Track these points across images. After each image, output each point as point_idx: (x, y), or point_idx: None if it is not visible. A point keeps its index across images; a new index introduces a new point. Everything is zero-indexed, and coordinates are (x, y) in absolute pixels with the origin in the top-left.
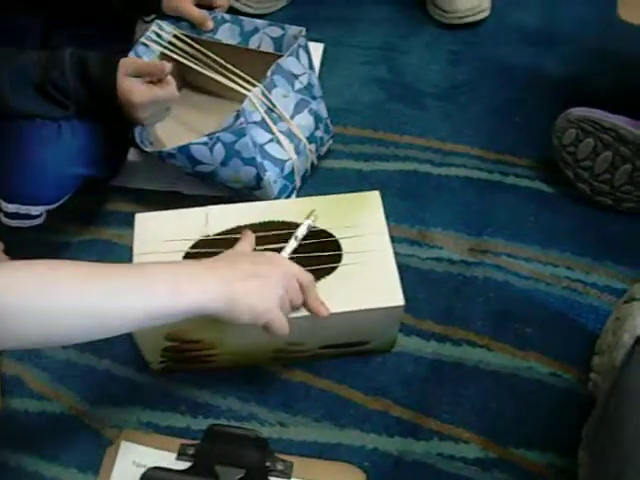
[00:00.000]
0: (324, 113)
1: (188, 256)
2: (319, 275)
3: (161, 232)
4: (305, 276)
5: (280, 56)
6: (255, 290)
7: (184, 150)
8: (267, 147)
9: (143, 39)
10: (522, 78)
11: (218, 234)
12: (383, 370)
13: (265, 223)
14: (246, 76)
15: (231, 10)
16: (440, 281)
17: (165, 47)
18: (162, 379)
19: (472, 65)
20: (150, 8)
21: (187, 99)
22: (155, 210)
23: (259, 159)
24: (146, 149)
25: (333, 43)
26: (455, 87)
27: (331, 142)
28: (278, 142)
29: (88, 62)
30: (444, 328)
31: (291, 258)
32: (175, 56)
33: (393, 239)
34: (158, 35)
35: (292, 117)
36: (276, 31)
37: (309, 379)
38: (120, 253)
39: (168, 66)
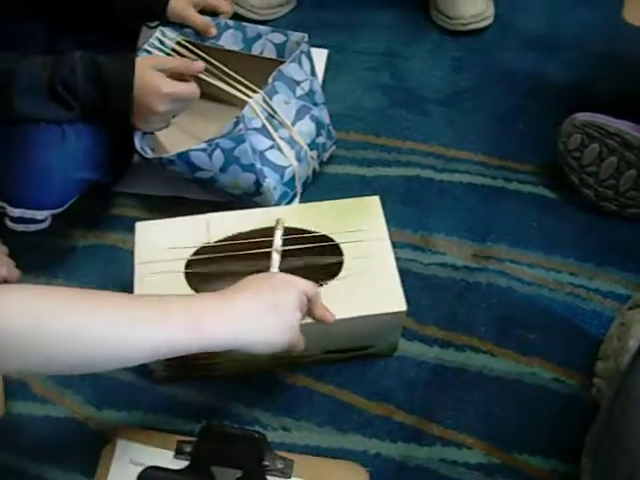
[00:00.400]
0: (326, 119)
1: (190, 263)
2: (321, 281)
3: (162, 240)
4: (312, 289)
5: (282, 62)
6: (278, 324)
7: (183, 156)
8: (267, 153)
9: (146, 45)
10: (525, 84)
11: (219, 241)
12: (386, 375)
13: (266, 229)
14: (248, 82)
15: (235, 16)
16: (443, 287)
17: (168, 53)
18: (166, 385)
19: (475, 71)
20: (154, 15)
21: (190, 105)
22: (159, 215)
23: (258, 165)
24: (146, 155)
25: (336, 49)
26: (458, 93)
27: (334, 148)
28: (279, 148)
29: (101, 61)
30: (447, 334)
31: (294, 266)
32: None
33: (396, 245)
34: (161, 42)
35: (293, 123)
36: (279, 37)
37: (312, 384)
38: (124, 258)
39: (200, 66)
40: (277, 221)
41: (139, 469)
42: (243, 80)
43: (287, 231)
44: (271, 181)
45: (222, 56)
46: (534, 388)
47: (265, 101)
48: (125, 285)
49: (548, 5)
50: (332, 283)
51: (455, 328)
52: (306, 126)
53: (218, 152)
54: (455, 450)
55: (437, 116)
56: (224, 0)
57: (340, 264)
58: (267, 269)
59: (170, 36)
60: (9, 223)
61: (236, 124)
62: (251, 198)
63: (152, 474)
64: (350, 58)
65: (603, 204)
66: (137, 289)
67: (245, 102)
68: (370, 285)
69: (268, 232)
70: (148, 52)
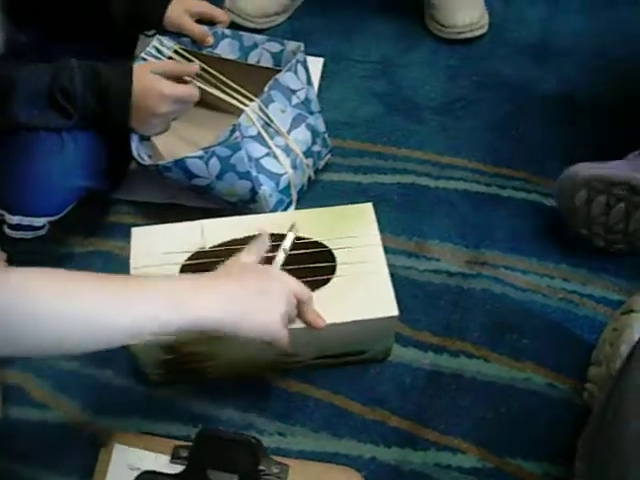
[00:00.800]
0: (322, 128)
1: (185, 268)
2: (314, 286)
3: (158, 245)
4: (304, 291)
5: (279, 71)
6: (262, 307)
7: (180, 164)
8: (263, 161)
9: (143, 54)
10: (519, 92)
11: (214, 247)
12: (381, 381)
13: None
14: (245, 91)
15: (232, 25)
16: (438, 293)
17: None
18: (162, 389)
19: (470, 79)
20: (151, 24)
21: (187, 113)
22: (156, 222)
23: (254, 173)
24: (143, 162)
25: (333, 57)
26: (453, 101)
27: (329, 156)
28: (274, 156)
29: (99, 69)
30: (442, 339)
31: (287, 270)
32: None
33: (391, 251)
34: (158, 50)
35: (289, 132)
36: (275, 46)
37: (307, 389)
38: (121, 265)
39: (196, 67)
40: (292, 225)
41: (135, 473)
42: (239, 88)
43: (280, 237)
44: (267, 189)
45: (219, 65)
46: (527, 393)
47: (261, 109)
48: None
49: (542, 14)
50: (324, 289)
51: (449, 334)
52: (302, 134)
53: (214, 159)
54: (449, 455)
55: (432, 124)
56: (220, 10)
57: (332, 269)
58: None
59: (167, 45)
60: (7, 230)
61: (232, 132)
62: (247, 205)
63: (148, 478)
64: (346, 66)
65: (612, 248)
66: None
67: (241, 110)
68: (362, 290)
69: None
70: (145, 60)
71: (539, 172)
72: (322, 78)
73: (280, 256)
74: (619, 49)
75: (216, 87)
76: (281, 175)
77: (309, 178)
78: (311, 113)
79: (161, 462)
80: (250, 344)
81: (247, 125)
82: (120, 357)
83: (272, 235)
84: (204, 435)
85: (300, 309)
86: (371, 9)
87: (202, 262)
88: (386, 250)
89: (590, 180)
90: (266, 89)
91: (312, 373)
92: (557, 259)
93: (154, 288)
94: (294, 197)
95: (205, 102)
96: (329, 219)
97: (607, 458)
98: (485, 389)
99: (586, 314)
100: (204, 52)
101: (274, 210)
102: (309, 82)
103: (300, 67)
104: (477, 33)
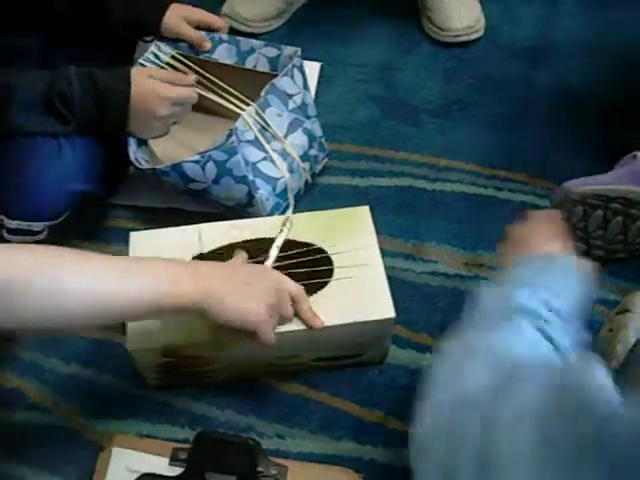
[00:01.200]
0: (318, 132)
1: None
2: (311, 290)
3: (155, 250)
4: (295, 287)
5: (275, 76)
6: (247, 294)
7: (177, 168)
8: (260, 165)
9: (141, 60)
10: (516, 94)
11: (212, 251)
12: (379, 382)
13: (257, 240)
14: (241, 95)
15: (230, 30)
16: (435, 295)
17: (162, 67)
18: (161, 393)
19: (466, 82)
20: (148, 30)
21: (184, 117)
22: (154, 226)
23: (251, 177)
24: (140, 167)
25: (329, 61)
26: (450, 104)
27: (326, 160)
28: (271, 160)
29: (96, 74)
30: (439, 341)
31: (286, 274)
32: None
33: (389, 254)
34: (156, 56)
35: (286, 136)
36: (272, 51)
37: (306, 392)
38: None
39: (192, 78)
40: (286, 219)
41: (135, 476)
42: (236, 93)
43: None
44: (263, 192)
45: (216, 69)
46: None
47: (258, 114)
48: None
49: (538, 16)
50: (322, 292)
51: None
52: (298, 138)
53: (211, 164)
54: None
55: (429, 126)
56: (218, 17)
57: (330, 272)
58: None
59: (165, 50)
60: (6, 235)
61: (229, 136)
62: (244, 209)
63: None
64: (343, 70)
65: (613, 256)
66: None
67: (238, 115)
68: (359, 293)
69: (259, 243)
70: (143, 66)
71: (536, 174)
72: (319, 82)
73: (273, 252)
74: (616, 51)
75: (213, 92)
76: (278, 179)
77: (306, 182)
78: (308, 117)
79: (160, 464)
80: (246, 345)
81: (244, 129)
82: (119, 361)
83: (268, 239)
84: (203, 437)
85: (296, 308)
86: (367, 13)
87: None
88: (384, 252)
89: (585, 196)
90: (263, 93)
91: (311, 376)
92: None
93: (153, 267)
94: (291, 201)
95: (202, 106)
96: (326, 222)
97: None
98: None
99: None
100: (201, 57)
101: (271, 214)
102: (306, 86)
103: (297, 71)
104: (474, 36)
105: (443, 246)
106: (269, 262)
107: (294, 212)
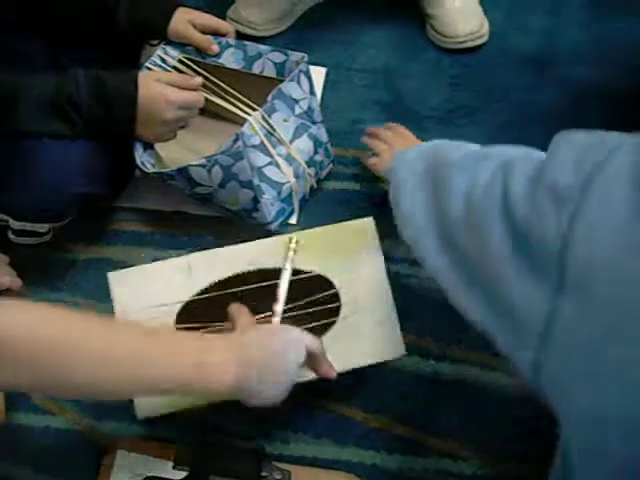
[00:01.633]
0: (324, 138)
1: (179, 320)
2: (319, 332)
3: (142, 294)
4: (312, 342)
5: (282, 81)
6: (279, 377)
7: (183, 171)
8: (265, 170)
9: (148, 63)
10: (521, 102)
11: (205, 289)
12: (383, 388)
13: (252, 273)
14: (248, 100)
15: (236, 33)
16: (440, 301)
17: (169, 71)
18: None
19: (471, 89)
20: (155, 33)
21: (191, 122)
22: (159, 229)
23: (256, 182)
24: (146, 170)
25: (335, 66)
26: (454, 110)
27: (331, 166)
28: (277, 165)
29: (104, 77)
30: (444, 347)
31: (291, 317)
32: None
33: (394, 260)
34: (163, 60)
35: (291, 141)
36: (279, 56)
37: (309, 397)
38: None
39: (198, 81)
40: (290, 240)
41: (139, 479)
42: (243, 98)
43: (273, 273)
44: (269, 197)
45: (223, 74)
46: (530, 400)
47: (264, 119)
48: None
49: (543, 23)
50: (330, 333)
51: (451, 341)
52: (304, 144)
53: (217, 168)
54: (450, 462)
55: (434, 132)
56: (224, 22)
57: (337, 309)
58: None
59: (172, 54)
60: (11, 236)
61: (235, 141)
62: (249, 214)
63: None
64: (348, 75)
65: None
66: None
67: (245, 119)
68: (368, 332)
69: (254, 276)
70: (150, 69)
71: None
72: (324, 88)
73: (281, 295)
74: (621, 59)
75: (220, 96)
76: (283, 184)
77: (311, 187)
78: (314, 123)
79: (164, 468)
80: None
81: (250, 134)
82: None
83: (270, 271)
84: (207, 441)
85: (312, 362)
86: (373, 19)
87: (196, 312)
88: (388, 258)
89: None
90: (269, 99)
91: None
92: None
93: (181, 343)
94: (296, 206)
95: (209, 111)
96: (329, 241)
97: None
98: (487, 396)
99: None
100: (208, 61)
101: (276, 219)
102: (312, 92)
103: (303, 77)
104: (478, 42)
105: None
106: (279, 308)
107: (299, 218)
